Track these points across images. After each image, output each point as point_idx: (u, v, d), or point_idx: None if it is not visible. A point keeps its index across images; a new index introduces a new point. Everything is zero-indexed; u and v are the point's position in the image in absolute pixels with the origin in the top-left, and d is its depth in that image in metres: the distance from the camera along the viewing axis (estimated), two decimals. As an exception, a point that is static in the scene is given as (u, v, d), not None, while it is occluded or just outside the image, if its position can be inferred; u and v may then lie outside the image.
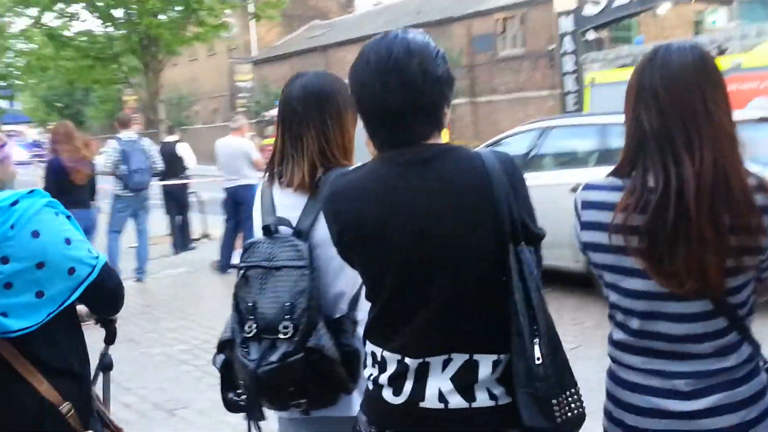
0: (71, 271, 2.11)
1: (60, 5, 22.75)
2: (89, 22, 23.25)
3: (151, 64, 21.88)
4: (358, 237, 1.88)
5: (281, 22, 47.96)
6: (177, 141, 12.76)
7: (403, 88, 1.78)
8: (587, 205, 1.93)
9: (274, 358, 2.16)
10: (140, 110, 29.53)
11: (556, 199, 7.56)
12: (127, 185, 9.97)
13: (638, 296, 1.86)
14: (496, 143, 9.38)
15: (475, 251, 1.78)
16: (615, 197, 1.85)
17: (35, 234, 1.99)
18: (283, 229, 2.30)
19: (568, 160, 8.57)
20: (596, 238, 1.90)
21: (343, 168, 2.22)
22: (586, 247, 1.95)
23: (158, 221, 12.32)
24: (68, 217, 2.19)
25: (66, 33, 23.31)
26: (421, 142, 1.83)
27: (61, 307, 2.13)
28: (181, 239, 12.34)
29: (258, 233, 2.39)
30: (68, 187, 7.98)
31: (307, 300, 2.16)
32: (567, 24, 24.68)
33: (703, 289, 1.78)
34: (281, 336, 2.15)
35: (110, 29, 23.03)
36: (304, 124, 2.36)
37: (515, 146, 8.78)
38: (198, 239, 13.01)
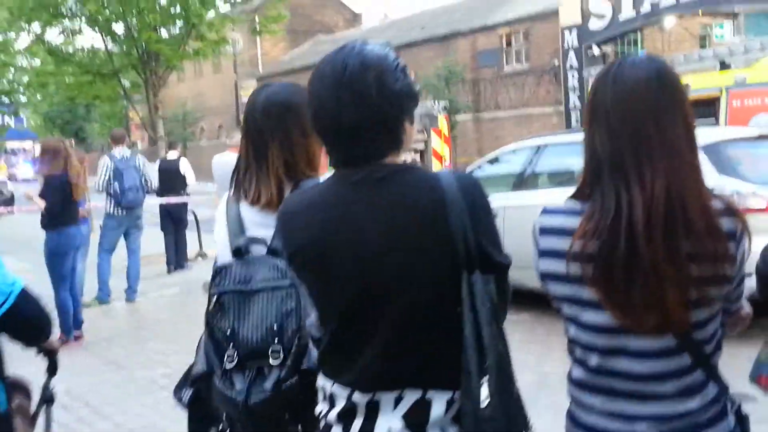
0: None
1: (62, 21, 22.78)
2: (90, 38, 23.30)
3: (151, 79, 21.78)
4: (306, 260, 1.78)
5: (287, 37, 48.13)
6: (178, 157, 12.59)
7: (356, 102, 1.67)
8: (545, 231, 1.78)
9: (267, 385, 2.05)
10: (143, 126, 29.47)
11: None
12: (119, 203, 9.83)
13: (597, 330, 1.71)
14: (492, 160, 9.22)
15: (427, 279, 1.66)
16: (573, 222, 1.70)
17: None
18: (256, 249, 2.19)
19: (564, 178, 8.40)
20: (553, 267, 1.75)
21: (312, 181, 2.10)
22: (544, 277, 1.80)
23: (154, 239, 12.17)
24: None
25: (68, 49, 23.29)
26: (377, 161, 1.72)
27: None
28: (176, 258, 12.16)
29: (224, 253, 2.28)
30: (68, 203, 7.85)
31: (297, 320, 2.06)
32: (571, 39, 24.64)
33: (663, 324, 1.64)
34: (271, 361, 2.05)
35: (111, 45, 23.00)
36: (267, 136, 2.29)
37: (511, 163, 8.63)
38: (193, 258, 12.83)
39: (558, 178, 8.52)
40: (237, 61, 42.06)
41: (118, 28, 22.00)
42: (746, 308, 1.91)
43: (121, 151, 9.97)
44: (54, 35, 23.98)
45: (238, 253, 2.20)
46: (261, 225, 2.24)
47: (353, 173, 1.73)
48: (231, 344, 2.11)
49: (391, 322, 1.68)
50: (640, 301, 1.62)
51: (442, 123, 26.20)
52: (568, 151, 8.51)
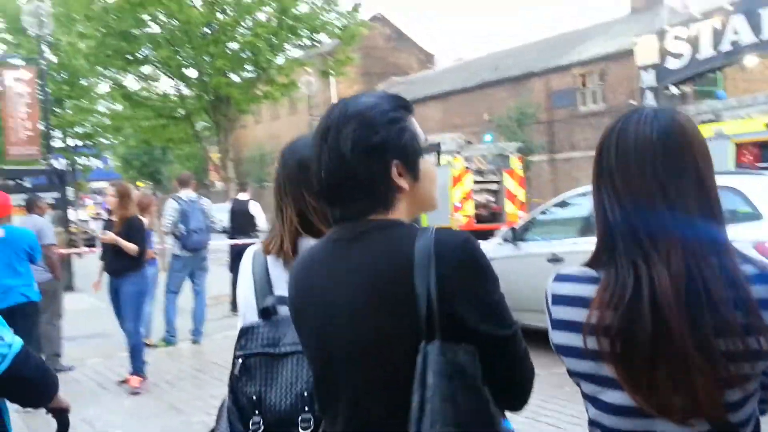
0: None
1: (137, 67, 23.56)
2: (163, 82, 24.09)
3: (222, 122, 22.21)
4: (292, 317, 1.77)
5: (361, 79, 48.75)
6: (249, 199, 12.64)
7: (332, 160, 1.62)
8: (558, 299, 1.61)
9: None
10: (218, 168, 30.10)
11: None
12: (185, 245, 9.92)
13: (621, 412, 1.53)
14: (559, 204, 8.98)
15: (387, 345, 1.55)
16: (588, 291, 1.54)
17: None
18: (284, 309, 2.05)
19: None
20: (569, 340, 1.57)
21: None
22: (559, 350, 1.61)
23: (223, 279, 12.25)
24: None
25: (142, 93, 24.04)
26: (362, 218, 1.63)
27: None
28: (243, 299, 12.18)
29: (249, 312, 2.18)
30: (146, 245, 8.20)
31: None
32: (649, 78, 24.14)
33: (692, 407, 1.45)
34: (300, 430, 1.95)
35: (183, 89, 23.61)
36: (284, 190, 2.26)
37: (579, 207, 8.37)
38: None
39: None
40: (311, 103, 42.89)
41: (190, 72, 22.55)
42: None
43: (187, 194, 10.08)
44: (131, 81, 24.86)
45: (266, 313, 2.11)
46: (285, 280, 2.15)
47: (336, 231, 1.68)
48: (257, 411, 2.00)
49: (352, 387, 1.60)
50: (665, 382, 1.45)
51: (516, 164, 25.96)
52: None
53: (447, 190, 24.20)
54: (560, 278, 1.62)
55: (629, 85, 29.09)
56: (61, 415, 2.39)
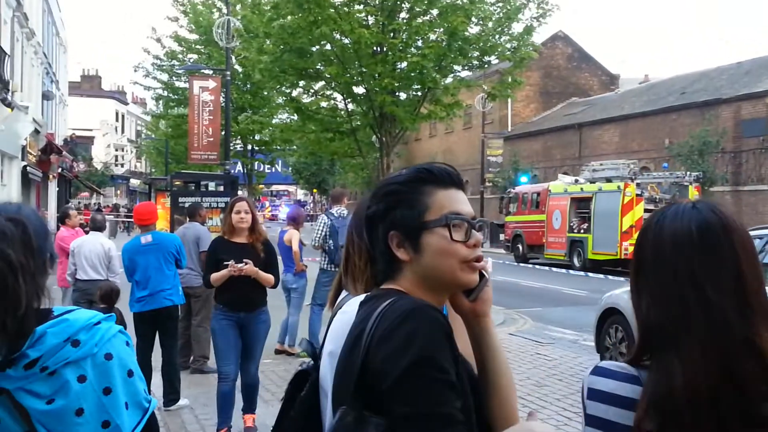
0: (126, 405, 1.94)
1: (309, 82, 24.50)
2: (331, 97, 24.89)
3: (386, 139, 22.56)
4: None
5: (540, 99, 48.07)
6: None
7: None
8: (594, 394, 1.56)
9: None
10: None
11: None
12: (332, 260, 10.11)
13: None
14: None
15: (337, 398, 1.60)
16: (627, 390, 1.51)
17: (108, 356, 1.90)
18: None
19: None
20: None
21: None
22: None
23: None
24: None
25: (312, 107, 24.98)
26: (381, 283, 1.73)
27: None
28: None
29: None
30: None
31: None
32: None
33: None
34: None
35: (351, 105, 24.19)
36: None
37: None
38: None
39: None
40: (487, 120, 42.75)
41: (358, 89, 23.09)
42: None
43: (338, 210, 10.28)
44: (302, 94, 25.86)
45: None
46: None
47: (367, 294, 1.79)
48: None
49: None
50: None
51: (693, 194, 24.73)
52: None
53: (616, 217, 23.48)
54: (599, 372, 1.58)
55: (828, 117, 26.87)
56: None
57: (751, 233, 6.88)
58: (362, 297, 1.75)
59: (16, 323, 1.76)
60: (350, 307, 1.80)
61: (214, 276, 6.26)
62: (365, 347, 1.52)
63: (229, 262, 6.15)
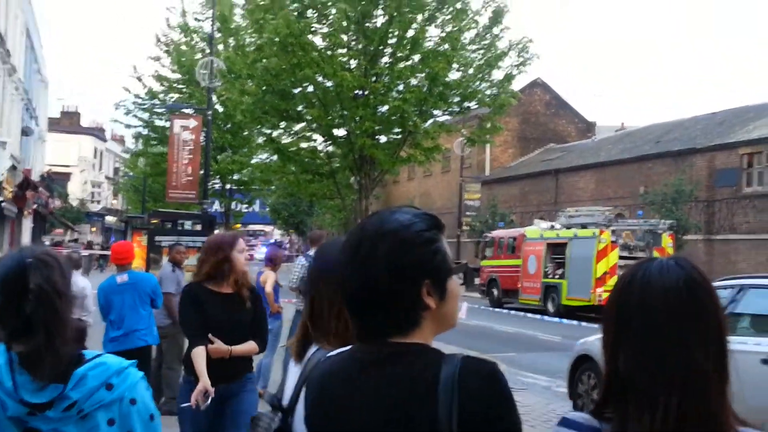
0: None
1: (290, 124, 24.64)
2: (311, 139, 25.08)
3: (364, 181, 22.72)
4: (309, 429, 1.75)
5: (518, 144, 48.59)
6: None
7: (363, 278, 1.63)
8: None
9: None
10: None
11: (745, 369, 6.64)
12: (308, 302, 10.13)
13: None
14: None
15: None
16: None
17: (133, 401, 1.95)
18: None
19: (766, 326, 7.55)
20: None
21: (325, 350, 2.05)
22: None
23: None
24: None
25: (292, 148, 25.10)
26: (386, 338, 1.62)
27: None
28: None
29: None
30: None
31: None
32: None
33: None
34: None
35: (331, 147, 24.38)
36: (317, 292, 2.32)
37: None
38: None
39: (763, 327, 7.67)
40: (465, 164, 43.09)
41: (339, 131, 23.29)
42: None
43: (317, 252, 10.33)
44: (283, 135, 25.95)
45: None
46: None
47: (360, 350, 1.67)
48: None
49: None
50: None
51: (666, 241, 24.99)
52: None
53: (591, 263, 23.64)
54: (564, 423, 1.60)
55: (801, 169, 27.40)
56: None
57: (724, 282, 7.03)
58: (351, 353, 1.69)
59: (65, 360, 1.81)
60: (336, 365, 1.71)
61: (200, 354, 4.65)
62: (459, 409, 1.50)
63: (216, 342, 4.68)
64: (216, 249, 4.84)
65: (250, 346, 4.83)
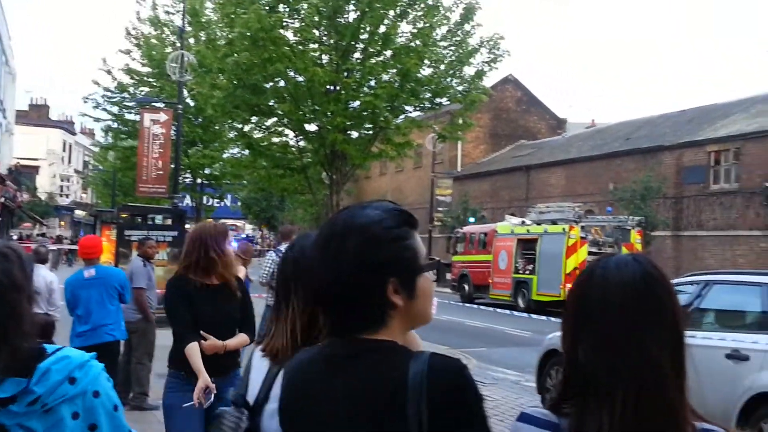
0: None
1: (261, 118, 24.56)
2: (282, 134, 25.02)
3: (336, 176, 22.71)
4: (284, 427, 1.75)
5: (489, 140, 48.81)
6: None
7: (332, 273, 1.61)
8: None
9: None
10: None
11: (710, 364, 6.74)
12: (279, 297, 10.10)
13: None
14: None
15: None
16: None
17: (96, 394, 1.93)
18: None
19: (730, 321, 7.68)
20: None
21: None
22: None
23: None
24: None
25: (263, 143, 25.03)
26: (356, 334, 1.62)
27: None
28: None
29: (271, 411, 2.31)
30: None
31: None
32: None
33: None
34: None
35: (302, 142, 24.34)
36: (291, 287, 2.38)
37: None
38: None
39: (727, 322, 7.80)
40: (436, 160, 43.20)
41: (310, 126, 23.25)
42: None
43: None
44: (254, 130, 25.87)
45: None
46: None
47: (330, 346, 1.66)
48: None
49: None
50: None
51: (635, 237, 25.28)
52: (746, 293, 7.76)
53: (560, 259, 23.85)
54: (523, 418, 1.61)
55: (766, 166, 27.78)
56: None
57: (690, 278, 7.13)
58: (321, 349, 1.70)
59: (24, 354, 1.79)
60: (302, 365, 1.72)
61: (195, 350, 4.48)
62: (428, 405, 1.50)
63: (210, 338, 4.53)
64: (204, 239, 4.62)
65: (242, 338, 4.72)
